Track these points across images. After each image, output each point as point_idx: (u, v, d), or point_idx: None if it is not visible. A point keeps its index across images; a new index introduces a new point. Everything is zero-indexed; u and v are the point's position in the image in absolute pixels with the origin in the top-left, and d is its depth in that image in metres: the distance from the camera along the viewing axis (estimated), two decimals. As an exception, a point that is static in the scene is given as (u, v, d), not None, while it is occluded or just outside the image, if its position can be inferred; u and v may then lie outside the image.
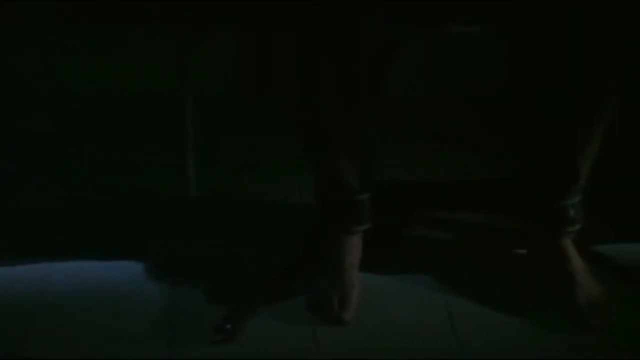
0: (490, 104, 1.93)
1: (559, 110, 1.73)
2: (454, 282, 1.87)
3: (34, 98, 2.42)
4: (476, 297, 1.83)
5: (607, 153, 1.79)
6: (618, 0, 1.64)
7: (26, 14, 2.31)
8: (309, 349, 1.73)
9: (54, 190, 2.16)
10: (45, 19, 2.24)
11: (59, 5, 1.90)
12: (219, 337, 1.73)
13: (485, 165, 2.20)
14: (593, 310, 1.77)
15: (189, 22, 1.93)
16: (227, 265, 1.93)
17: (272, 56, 1.83)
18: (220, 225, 2.05)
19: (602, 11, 1.65)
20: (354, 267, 1.82)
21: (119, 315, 1.80)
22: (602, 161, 1.79)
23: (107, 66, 2.46)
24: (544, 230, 1.83)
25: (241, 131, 2.38)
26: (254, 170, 2.24)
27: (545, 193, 1.80)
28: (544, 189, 1.80)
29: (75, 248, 1.97)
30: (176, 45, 2.02)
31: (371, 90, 1.74)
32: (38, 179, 2.20)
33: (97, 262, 1.93)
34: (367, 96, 1.74)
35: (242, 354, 1.71)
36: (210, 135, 2.26)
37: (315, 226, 1.87)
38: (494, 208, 2.03)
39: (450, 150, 2.29)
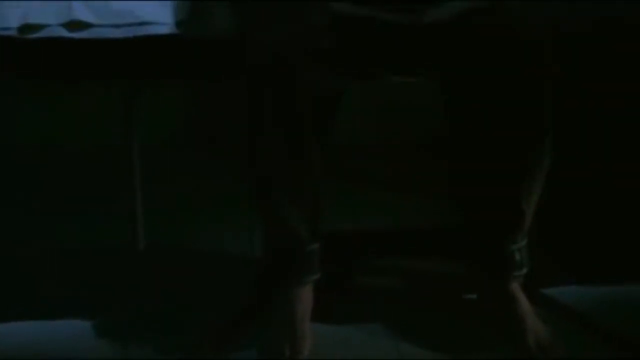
0: (434, 151, 1.95)
1: (500, 155, 1.76)
2: (405, 329, 1.87)
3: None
4: (427, 343, 1.84)
5: (556, 196, 1.82)
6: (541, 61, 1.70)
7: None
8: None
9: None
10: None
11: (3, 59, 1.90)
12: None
13: (432, 212, 2.21)
14: (542, 352, 1.79)
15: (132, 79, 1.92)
16: (178, 317, 1.92)
17: (219, 105, 1.83)
18: (170, 278, 2.04)
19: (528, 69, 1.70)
20: (305, 318, 1.82)
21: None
22: (551, 205, 1.82)
23: (51, 116, 2.44)
24: (491, 275, 1.84)
25: (189, 181, 2.37)
26: (203, 221, 2.22)
27: (491, 238, 1.82)
28: (490, 234, 1.82)
29: (20, 307, 1.94)
30: (122, 96, 2.01)
31: (318, 139, 1.75)
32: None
33: (43, 321, 1.90)
34: (314, 145, 1.75)
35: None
36: (159, 186, 2.24)
37: (265, 276, 1.87)
38: (442, 254, 2.05)
39: (396, 197, 2.30)
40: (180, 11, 1.85)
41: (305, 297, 1.82)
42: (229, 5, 1.82)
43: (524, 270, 1.83)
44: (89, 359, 1.81)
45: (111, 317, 1.92)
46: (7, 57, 1.87)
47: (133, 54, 1.85)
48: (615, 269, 2.01)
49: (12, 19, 1.84)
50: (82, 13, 1.82)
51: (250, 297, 1.92)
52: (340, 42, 1.72)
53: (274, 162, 1.74)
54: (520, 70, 1.70)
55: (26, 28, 1.84)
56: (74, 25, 1.83)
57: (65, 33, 1.82)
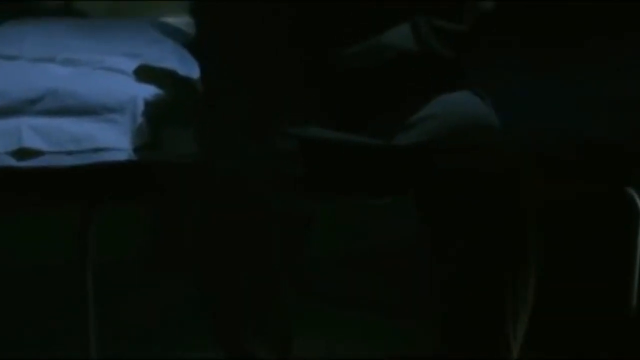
0: (411, 273, 1.88)
1: (481, 283, 1.69)
2: None
3: None
4: None
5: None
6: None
7: None
8: None
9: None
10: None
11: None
12: None
13: (414, 339, 2.14)
14: None
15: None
16: None
17: (178, 228, 1.76)
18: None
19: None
20: None
21: None
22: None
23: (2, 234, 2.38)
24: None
25: (146, 304, 2.30)
26: (161, 345, 2.16)
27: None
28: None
29: None
30: (76, 217, 1.92)
31: (287, 264, 1.68)
32: None
33: None
34: (283, 272, 1.67)
35: None
36: (113, 308, 2.18)
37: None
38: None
39: (373, 320, 2.24)
40: (139, 136, 1.79)
41: None
42: (191, 130, 1.77)
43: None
44: None
45: None
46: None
47: (88, 180, 1.79)
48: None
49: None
50: (32, 140, 1.76)
51: None
52: (310, 167, 1.68)
53: (237, 291, 1.66)
54: (494, 200, 1.66)
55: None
56: (24, 153, 1.76)
57: (13, 162, 1.75)
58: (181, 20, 2.21)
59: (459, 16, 1.74)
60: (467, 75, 1.77)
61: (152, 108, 1.78)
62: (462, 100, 1.73)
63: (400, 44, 1.73)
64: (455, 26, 1.73)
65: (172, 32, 2.13)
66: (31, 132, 1.75)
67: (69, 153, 1.75)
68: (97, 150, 1.76)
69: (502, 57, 1.96)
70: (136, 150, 1.77)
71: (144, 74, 1.83)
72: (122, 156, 1.76)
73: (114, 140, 1.77)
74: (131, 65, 1.85)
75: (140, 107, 1.78)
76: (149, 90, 1.81)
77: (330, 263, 2.38)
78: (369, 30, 1.73)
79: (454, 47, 1.75)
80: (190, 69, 1.91)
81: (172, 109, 1.81)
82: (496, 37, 1.89)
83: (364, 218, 2.43)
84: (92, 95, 1.77)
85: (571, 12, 2.04)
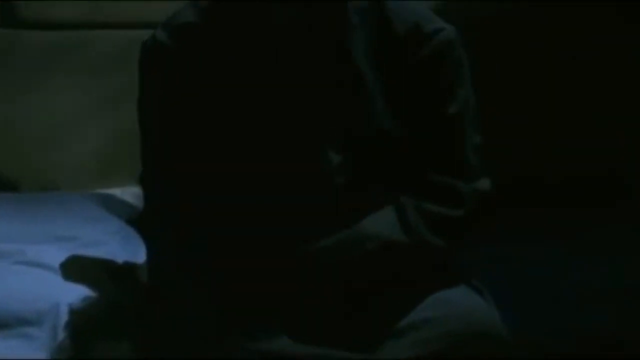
0: None
1: None
2: None
3: None
4: None
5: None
6: None
7: None
8: None
9: None
10: None
11: None
12: None
13: None
14: None
15: None
16: None
17: None
18: None
19: None
20: None
21: None
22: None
23: None
24: None
25: None
26: None
27: None
28: None
29: None
30: None
31: None
32: None
33: None
34: None
35: None
36: None
37: None
38: None
39: None
40: (60, 354, 1.52)
41: None
42: (128, 342, 1.54)
43: None
44: None
45: None
46: None
47: None
48: None
49: None
50: None
51: None
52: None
53: None
54: None
55: None
56: None
57: None
58: (129, 191, 1.96)
59: (456, 199, 1.48)
60: (461, 264, 1.52)
61: (78, 317, 1.54)
62: (460, 300, 1.48)
63: (385, 233, 1.46)
64: (451, 212, 1.46)
65: (116, 207, 1.93)
66: None
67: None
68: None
69: (497, 239, 1.81)
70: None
71: (73, 268, 1.60)
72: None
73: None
74: (59, 255, 1.63)
75: (64, 317, 1.53)
76: (77, 292, 1.56)
77: None
78: (348, 214, 1.46)
79: (448, 234, 1.48)
80: (135, 252, 1.70)
81: (104, 316, 1.56)
82: (493, 220, 1.64)
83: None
84: (3, 304, 1.52)
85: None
